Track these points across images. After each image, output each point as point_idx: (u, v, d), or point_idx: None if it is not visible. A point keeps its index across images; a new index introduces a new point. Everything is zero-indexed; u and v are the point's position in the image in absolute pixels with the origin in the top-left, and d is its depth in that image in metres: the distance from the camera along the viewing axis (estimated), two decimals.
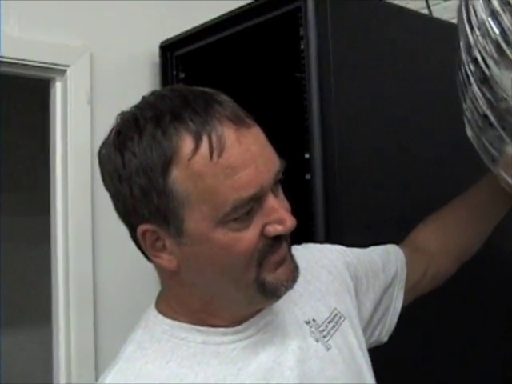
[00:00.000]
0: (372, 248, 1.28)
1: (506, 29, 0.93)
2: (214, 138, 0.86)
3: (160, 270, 0.98)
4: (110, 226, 1.83)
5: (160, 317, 0.98)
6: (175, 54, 1.90)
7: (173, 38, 1.88)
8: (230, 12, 1.71)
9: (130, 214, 0.93)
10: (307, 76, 1.51)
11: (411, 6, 1.94)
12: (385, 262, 1.25)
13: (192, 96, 0.91)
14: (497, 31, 0.96)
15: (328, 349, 1.05)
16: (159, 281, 1.01)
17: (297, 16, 1.53)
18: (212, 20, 1.77)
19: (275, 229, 0.91)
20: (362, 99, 1.56)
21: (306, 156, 1.50)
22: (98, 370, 1.83)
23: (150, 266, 1.92)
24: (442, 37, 1.76)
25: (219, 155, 0.86)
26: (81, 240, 1.86)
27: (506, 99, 0.98)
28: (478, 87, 1.04)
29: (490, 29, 0.97)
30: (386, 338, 1.26)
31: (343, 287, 1.15)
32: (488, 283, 1.68)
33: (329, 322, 1.08)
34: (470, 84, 1.06)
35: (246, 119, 0.91)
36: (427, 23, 1.88)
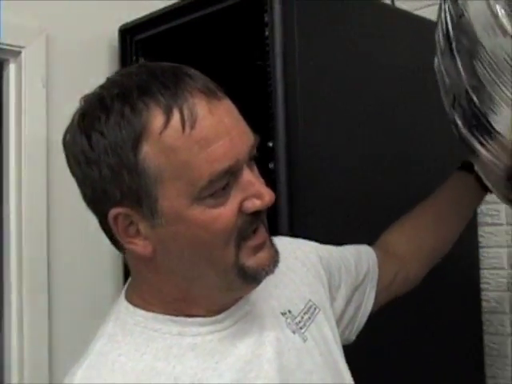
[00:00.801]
0: (344, 246, 1.28)
1: None
2: (186, 111, 0.85)
3: (133, 258, 0.95)
4: (65, 214, 1.82)
5: (132, 308, 0.95)
6: (135, 39, 1.87)
7: (133, 21, 1.86)
8: None
9: (99, 199, 0.90)
10: (272, 63, 1.50)
11: None
12: (356, 259, 1.25)
13: (160, 70, 0.89)
14: None
15: (305, 340, 1.04)
16: (130, 271, 0.98)
17: (262, 2, 1.52)
18: (175, 4, 1.75)
19: (253, 203, 0.89)
20: (327, 87, 1.57)
21: (270, 145, 1.48)
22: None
23: (106, 254, 1.88)
24: (403, 26, 1.82)
25: (192, 127, 0.84)
26: (35, 230, 1.81)
27: (463, 14, 1.00)
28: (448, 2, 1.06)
29: None
30: (353, 337, 1.25)
31: (317, 279, 1.14)
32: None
33: (304, 314, 1.07)
34: (445, 1, 1.08)
35: (218, 92, 0.90)
36: (390, 13, 1.90)
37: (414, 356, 1.66)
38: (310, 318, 1.08)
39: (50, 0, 1.79)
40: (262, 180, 0.93)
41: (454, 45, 1.04)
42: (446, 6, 1.05)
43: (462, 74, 1.04)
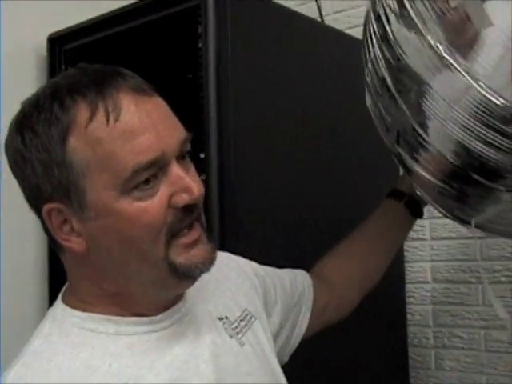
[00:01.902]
0: (281, 269, 1.30)
1: None
2: (110, 104, 0.88)
3: (70, 258, 0.96)
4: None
5: (68, 309, 0.95)
6: (64, 48, 1.87)
7: (62, 30, 1.85)
8: (127, 6, 1.71)
9: (34, 196, 0.93)
10: (204, 75, 1.51)
11: (308, 13, 2.02)
12: (292, 279, 1.28)
13: (92, 70, 0.93)
14: None
15: (242, 345, 1.06)
16: (67, 273, 0.99)
17: (195, 14, 1.53)
18: (106, 14, 1.74)
19: (182, 198, 0.90)
20: (260, 99, 1.59)
21: (202, 156, 1.49)
22: None
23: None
24: (332, 44, 1.89)
25: (116, 119, 0.87)
26: None
27: (402, 57, 1.01)
28: (379, 46, 1.06)
29: None
30: (286, 359, 1.26)
31: (252, 290, 1.17)
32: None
33: (241, 321, 1.10)
34: (373, 45, 1.09)
35: (148, 90, 0.92)
36: (319, 29, 1.96)
37: (340, 365, 1.68)
38: (246, 325, 1.10)
39: None
40: (194, 176, 0.95)
41: (391, 85, 1.06)
42: (377, 50, 1.07)
43: (407, 112, 1.05)
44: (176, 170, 0.91)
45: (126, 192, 0.88)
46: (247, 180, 1.53)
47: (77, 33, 1.82)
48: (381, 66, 1.08)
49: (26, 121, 0.91)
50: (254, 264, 1.24)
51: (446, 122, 0.97)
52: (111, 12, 1.73)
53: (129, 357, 0.92)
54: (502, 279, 1.95)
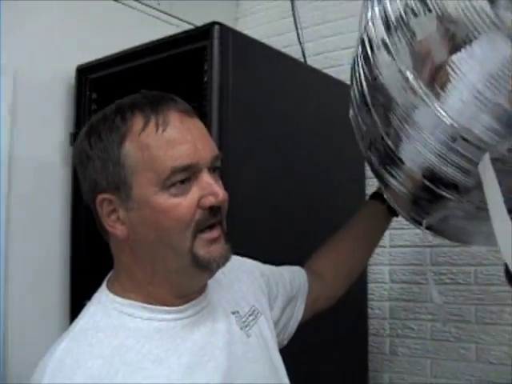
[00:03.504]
0: (282, 266, 1.35)
1: (387, 13, 0.96)
2: (161, 118, 0.96)
3: (114, 244, 1.03)
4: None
5: (111, 295, 1.01)
6: (90, 78, 1.93)
7: (88, 62, 1.92)
8: (146, 44, 1.76)
9: (92, 188, 0.99)
10: (208, 105, 1.56)
11: (293, 54, 2.09)
12: (291, 277, 1.33)
13: (151, 94, 1.01)
14: (378, 14, 0.99)
15: (249, 336, 1.10)
16: (114, 260, 1.04)
17: (203, 53, 1.59)
18: (128, 50, 1.80)
19: (209, 200, 0.96)
20: (255, 126, 1.65)
21: None
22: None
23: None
24: (312, 81, 1.93)
25: (163, 130, 0.95)
26: None
27: (378, 77, 1.02)
28: (362, 67, 1.08)
29: (375, 11, 1.01)
30: (285, 342, 1.31)
31: (259, 290, 1.22)
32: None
33: (249, 316, 1.14)
34: (358, 66, 1.10)
35: (192, 113, 1.01)
36: (302, 68, 2.03)
37: (311, 350, 1.71)
38: (253, 319, 1.14)
39: (20, 39, 1.82)
40: (221, 185, 1.00)
41: (369, 100, 1.08)
42: (361, 70, 1.09)
43: (378, 123, 1.07)
44: (206, 177, 0.96)
45: (164, 188, 0.94)
46: (244, 205, 1.55)
47: (101, 65, 1.88)
48: (362, 83, 1.10)
49: (94, 128, 0.99)
50: (260, 265, 1.28)
51: (408, 135, 0.99)
52: (132, 48, 1.78)
53: (158, 340, 0.97)
54: (447, 281, 2.04)
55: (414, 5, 0.88)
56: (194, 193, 0.96)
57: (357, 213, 1.49)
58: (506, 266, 0.95)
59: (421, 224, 1.20)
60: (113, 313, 0.98)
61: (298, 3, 2.35)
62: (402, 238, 2.10)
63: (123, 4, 2.14)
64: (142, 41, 1.76)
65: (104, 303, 1.00)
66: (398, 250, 2.14)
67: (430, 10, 0.86)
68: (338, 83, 1.99)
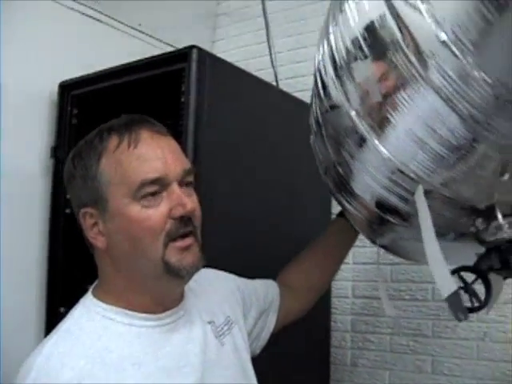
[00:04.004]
0: (256, 280, 1.40)
1: (334, 53, 1.01)
2: (133, 136, 1.03)
3: (97, 254, 1.09)
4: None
5: (95, 300, 1.06)
6: (72, 94, 1.97)
7: (70, 79, 1.97)
8: (127, 63, 1.80)
9: (77, 203, 1.08)
10: (185, 123, 1.61)
11: (266, 78, 2.15)
12: (264, 290, 1.38)
13: (129, 117, 1.09)
14: (327, 53, 1.04)
15: (223, 345, 1.16)
16: (98, 270, 1.10)
17: (181, 75, 1.64)
18: (110, 68, 1.84)
19: (178, 210, 1.02)
20: (229, 144, 1.70)
21: None
22: None
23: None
24: (283, 103, 1.99)
25: (135, 147, 1.02)
26: None
27: (328, 111, 1.07)
28: (316, 97, 1.12)
29: (325, 49, 1.05)
30: (258, 351, 1.36)
31: (235, 301, 1.28)
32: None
33: (224, 325, 1.19)
34: (314, 95, 1.15)
35: (165, 132, 1.08)
36: (274, 92, 2.09)
37: (277, 361, 1.71)
38: (228, 329, 1.19)
39: (4, 55, 1.84)
40: (194, 198, 1.07)
41: (323, 130, 1.13)
42: (316, 100, 1.13)
43: (330, 152, 1.12)
44: (176, 189, 1.02)
45: (135, 200, 1.00)
46: (215, 214, 1.56)
47: (83, 82, 1.92)
48: (318, 113, 1.14)
49: (77, 150, 1.08)
50: (236, 278, 1.34)
51: (357, 168, 1.05)
52: (114, 67, 1.83)
53: (137, 344, 1.02)
54: (406, 297, 2.12)
55: (353, 50, 0.94)
56: (165, 204, 1.01)
57: (325, 229, 1.53)
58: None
59: (374, 241, 1.26)
60: (96, 317, 1.04)
61: (273, 29, 2.42)
62: (364, 256, 2.16)
63: (107, 25, 2.19)
64: (123, 60, 1.80)
65: (88, 307, 1.06)
66: (361, 267, 2.20)
67: (366, 57, 0.92)
68: (308, 107, 2.02)
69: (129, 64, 1.80)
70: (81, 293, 1.10)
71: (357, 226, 1.27)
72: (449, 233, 1.04)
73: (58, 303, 1.89)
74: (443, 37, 0.79)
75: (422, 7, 0.81)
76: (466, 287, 1.06)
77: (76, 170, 1.06)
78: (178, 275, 1.04)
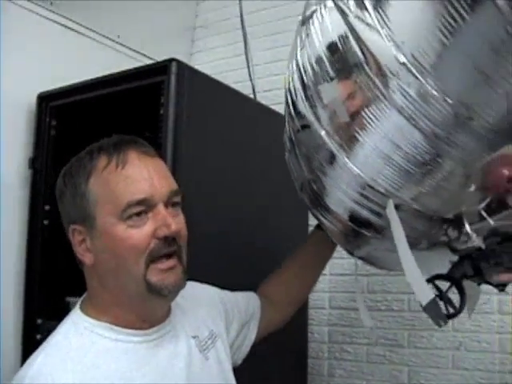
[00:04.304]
0: (237, 292, 1.42)
1: (302, 75, 1.04)
2: (121, 157, 1.06)
3: (86, 270, 1.11)
4: None
5: (83, 316, 1.08)
6: (50, 105, 1.98)
7: (49, 91, 1.97)
8: (106, 76, 1.80)
9: (67, 220, 1.10)
10: (164, 135, 1.62)
11: (243, 90, 2.14)
12: (246, 303, 1.41)
13: (118, 137, 1.12)
14: (296, 71, 1.08)
15: (207, 359, 1.19)
16: (87, 285, 1.12)
17: (160, 87, 1.65)
18: (88, 80, 1.85)
19: (162, 230, 1.04)
20: (207, 156, 1.71)
21: None
22: None
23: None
24: (261, 115, 2.01)
25: (122, 168, 1.05)
26: None
27: (299, 131, 1.11)
28: (288, 115, 1.16)
29: (294, 68, 1.09)
30: (239, 362, 1.39)
31: (218, 315, 1.30)
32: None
33: (208, 339, 1.22)
34: (286, 112, 1.18)
35: (153, 154, 1.11)
36: (252, 104, 2.12)
37: (255, 370, 1.64)
38: (212, 343, 1.22)
39: None
40: (179, 220, 1.09)
41: (296, 148, 1.17)
42: (289, 119, 1.16)
43: (304, 169, 1.15)
44: (162, 210, 1.05)
45: (122, 220, 1.02)
46: (192, 228, 1.56)
47: (61, 93, 1.92)
48: (290, 131, 1.18)
49: (68, 167, 1.10)
50: (219, 291, 1.37)
51: (329, 184, 1.09)
52: (93, 79, 1.84)
53: (124, 360, 1.04)
54: (382, 308, 2.14)
55: (319, 71, 0.98)
56: (150, 225, 1.04)
57: (304, 242, 1.56)
58: None
59: (351, 253, 1.29)
60: (84, 332, 1.06)
61: (251, 42, 2.44)
62: (341, 267, 2.18)
63: (86, 36, 2.20)
64: (102, 72, 1.81)
65: (76, 322, 1.08)
66: (338, 278, 2.22)
67: (331, 78, 0.95)
68: None
69: (108, 76, 1.80)
70: (59, 305, 1.11)
71: (334, 238, 1.30)
72: (422, 242, 1.07)
73: (35, 315, 1.88)
74: (402, 59, 0.84)
75: (382, 32, 0.85)
76: (441, 295, 1.09)
77: (66, 188, 1.09)
78: (160, 294, 1.06)
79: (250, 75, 2.41)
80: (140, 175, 1.05)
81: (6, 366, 1.69)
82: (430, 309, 0.97)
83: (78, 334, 1.05)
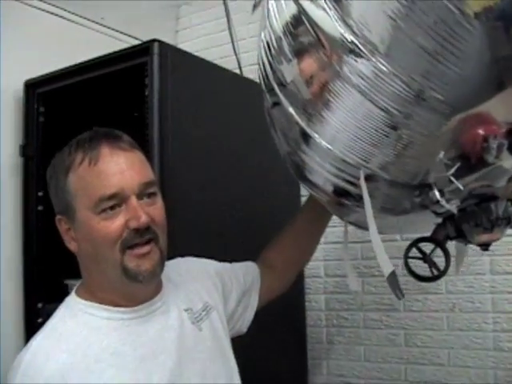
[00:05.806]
0: (235, 263, 1.46)
1: (265, 48, 1.07)
2: (94, 154, 1.10)
3: (78, 257, 1.15)
4: None
5: (77, 298, 1.14)
6: (37, 91, 1.98)
7: (36, 78, 1.97)
8: (91, 60, 1.81)
9: (55, 211, 1.14)
10: (150, 116, 1.63)
11: (226, 65, 2.15)
12: (244, 272, 1.44)
13: (95, 132, 1.15)
14: (263, 49, 1.10)
15: (200, 330, 1.22)
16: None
17: (144, 68, 1.66)
18: (73, 65, 1.86)
19: (132, 223, 1.08)
20: (193, 134, 1.72)
21: None
22: None
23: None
24: (247, 90, 1.92)
25: (95, 164, 1.09)
26: None
27: (274, 106, 1.12)
28: (263, 92, 1.18)
29: (261, 47, 1.12)
30: (245, 330, 1.43)
31: (213, 287, 1.33)
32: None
33: (202, 311, 1.25)
34: (263, 89, 1.20)
35: (126, 147, 1.13)
36: (238, 79, 2.11)
37: (255, 341, 1.64)
38: (206, 314, 1.25)
39: None
40: (155, 210, 1.11)
41: (274, 123, 1.20)
42: (264, 95, 1.19)
43: (283, 144, 1.18)
44: (133, 202, 1.08)
45: (96, 213, 1.07)
46: (186, 208, 1.62)
47: (48, 80, 1.93)
48: (267, 107, 1.19)
49: (53, 161, 1.16)
50: (215, 263, 1.40)
51: (307, 159, 1.11)
52: (78, 64, 1.84)
53: (116, 336, 1.09)
54: (376, 273, 2.16)
55: (279, 51, 1.01)
56: (122, 217, 1.08)
57: (301, 208, 1.57)
58: (406, 258, 1.09)
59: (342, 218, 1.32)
60: (78, 313, 1.11)
61: (234, 17, 2.42)
62: (334, 235, 2.15)
63: (70, 21, 2.19)
64: (88, 55, 1.81)
65: (71, 305, 1.14)
66: (332, 246, 2.24)
67: (290, 60, 0.98)
68: None
69: (93, 60, 1.81)
70: (58, 288, 1.15)
71: (325, 205, 1.31)
72: (401, 207, 1.08)
73: (35, 299, 1.92)
74: (351, 38, 0.85)
75: (330, 13, 0.87)
76: (425, 258, 1.11)
77: (51, 180, 1.15)
78: (136, 279, 1.10)
79: (234, 50, 2.39)
80: (111, 170, 1.09)
81: (9, 351, 1.71)
82: (390, 281, 1.00)
83: (73, 316, 1.11)
